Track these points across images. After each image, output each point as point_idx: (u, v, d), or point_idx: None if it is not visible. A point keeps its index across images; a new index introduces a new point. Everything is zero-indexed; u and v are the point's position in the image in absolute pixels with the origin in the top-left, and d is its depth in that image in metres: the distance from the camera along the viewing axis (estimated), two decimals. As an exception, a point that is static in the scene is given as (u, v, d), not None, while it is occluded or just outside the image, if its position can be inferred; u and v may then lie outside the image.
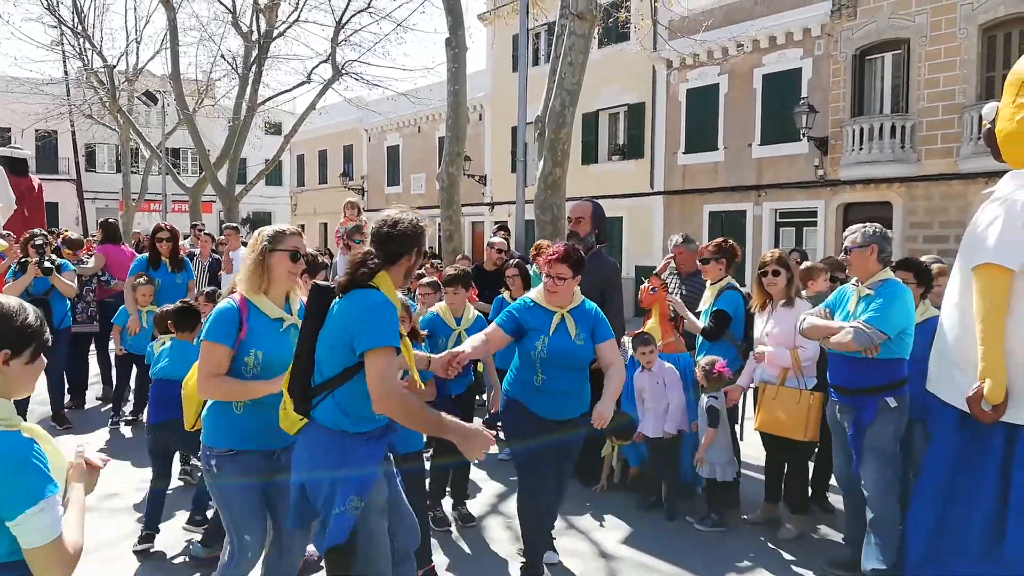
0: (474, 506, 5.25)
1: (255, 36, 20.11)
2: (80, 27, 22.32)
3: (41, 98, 23.81)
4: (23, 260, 6.86)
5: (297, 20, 20.47)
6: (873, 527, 3.92)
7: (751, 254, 16.56)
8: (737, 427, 5.42)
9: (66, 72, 24.77)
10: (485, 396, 6.42)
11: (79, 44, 22.91)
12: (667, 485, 5.15)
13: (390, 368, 2.66)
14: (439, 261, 10.25)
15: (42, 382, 5.32)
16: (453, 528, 4.87)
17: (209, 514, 4.45)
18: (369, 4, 19.20)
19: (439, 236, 12.65)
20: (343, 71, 19.68)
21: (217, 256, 9.23)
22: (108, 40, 53.32)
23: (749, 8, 17.48)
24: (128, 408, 7.30)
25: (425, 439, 5.20)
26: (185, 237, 10.95)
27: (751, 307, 5.08)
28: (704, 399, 4.95)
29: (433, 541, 4.66)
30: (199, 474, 4.59)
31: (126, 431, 6.96)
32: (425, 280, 5.72)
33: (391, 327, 2.69)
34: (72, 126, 26.27)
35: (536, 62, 21.00)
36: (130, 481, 5.53)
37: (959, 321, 3.24)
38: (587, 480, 5.65)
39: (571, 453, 4.12)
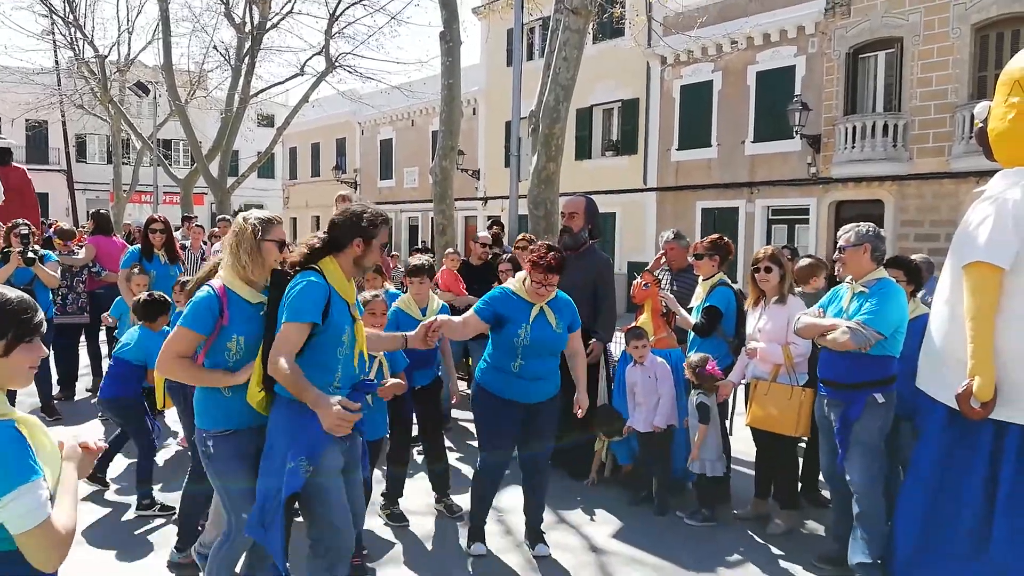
0: (466, 500, 5.25)
1: (248, 27, 20.00)
2: (71, 16, 22.15)
3: (31, 88, 23.63)
4: (6, 250, 6.80)
5: (291, 12, 20.37)
6: (859, 521, 3.95)
7: (743, 251, 16.62)
8: (727, 423, 5.45)
9: (57, 62, 24.57)
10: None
11: (70, 33, 22.74)
12: (658, 480, 5.17)
13: (287, 339, 2.93)
14: (432, 255, 10.24)
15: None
16: (410, 524, 4.84)
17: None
18: (363, -4, 19.11)
19: (432, 230, 12.64)
20: (336, 64, 19.60)
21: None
22: (99, 30, 53.06)
23: (743, 5, 17.50)
24: None
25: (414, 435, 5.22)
26: (176, 229, 10.91)
27: (745, 304, 5.10)
28: (694, 395, 4.97)
29: (428, 533, 4.68)
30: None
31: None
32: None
33: (307, 305, 2.95)
34: (63, 116, 26.07)
35: (531, 57, 20.98)
36: (117, 471, 5.52)
37: (949, 319, 3.27)
38: (578, 475, 5.67)
39: (545, 435, 4.29)
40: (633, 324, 5.39)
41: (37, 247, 6.96)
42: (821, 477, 4.99)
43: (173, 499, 5.04)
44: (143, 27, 79.44)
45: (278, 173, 38.63)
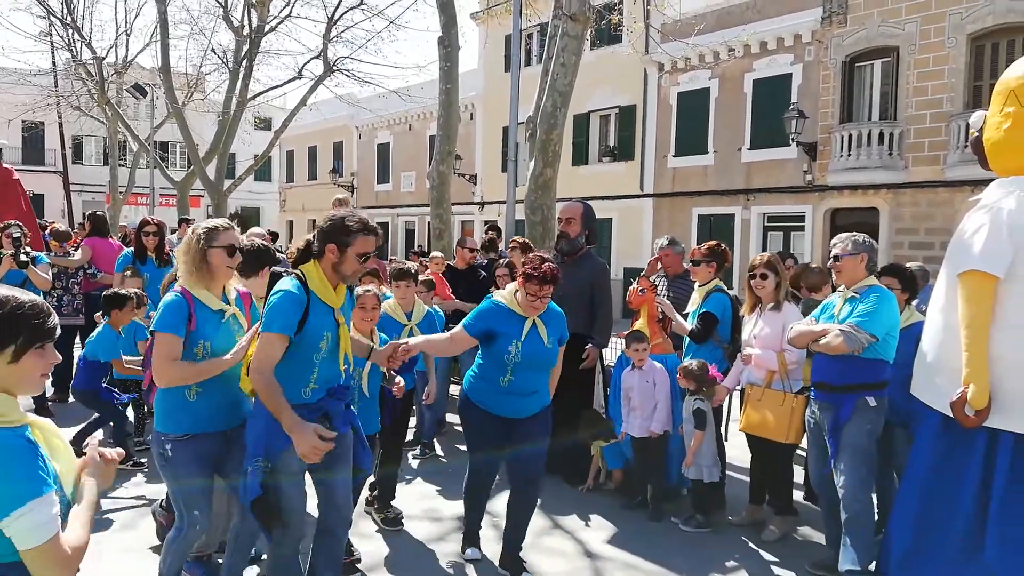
0: (461, 505, 5.25)
1: (246, 30, 20.01)
2: (69, 18, 22.12)
3: (28, 89, 23.58)
4: None
5: (289, 15, 20.39)
6: (847, 527, 3.97)
7: (739, 258, 16.64)
8: (723, 429, 5.45)
9: (54, 63, 24.53)
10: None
11: (68, 35, 22.71)
12: (652, 486, 5.17)
13: (266, 350, 2.96)
14: (428, 259, 10.24)
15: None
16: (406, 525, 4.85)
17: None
18: (362, 1, 19.14)
19: (429, 234, 12.64)
20: (335, 67, 19.61)
21: None
22: (97, 32, 52.79)
23: (741, 13, 17.57)
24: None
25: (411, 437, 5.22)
26: (173, 231, 10.90)
27: (741, 310, 5.11)
28: (691, 401, 4.98)
29: (422, 537, 4.68)
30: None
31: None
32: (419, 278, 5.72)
33: (280, 317, 2.97)
34: (59, 118, 26.05)
35: (528, 62, 21.01)
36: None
37: (944, 327, 3.28)
38: (572, 481, 5.67)
39: (535, 450, 4.15)
40: (631, 329, 5.39)
41: (29, 249, 6.95)
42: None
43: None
44: (141, 29, 79.43)
45: (275, 176, 38.60)
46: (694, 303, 5.39)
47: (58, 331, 1.83)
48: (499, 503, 5.16)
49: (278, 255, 4.27)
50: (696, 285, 5.45)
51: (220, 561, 3.58)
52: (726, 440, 5.54)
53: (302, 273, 3.09)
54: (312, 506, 3.36)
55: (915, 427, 3.87)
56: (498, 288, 6.57)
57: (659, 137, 19.52)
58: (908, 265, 5.07)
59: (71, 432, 6.39)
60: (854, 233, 4.22)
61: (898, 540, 3.47)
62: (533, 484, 4.17)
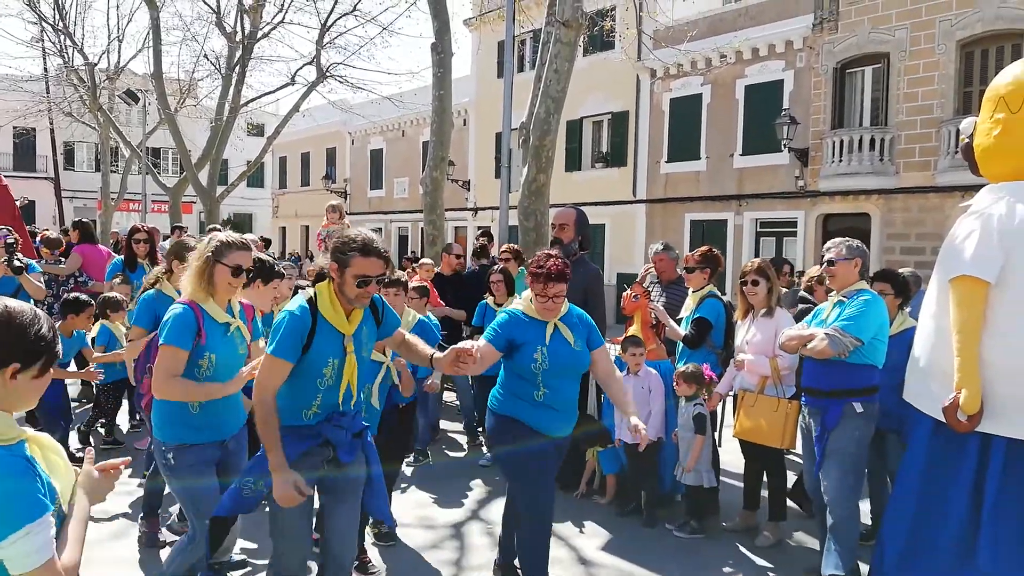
0: (456, 513, 5.25)
1: (239, 37, 19.99)
2: (61, 24, 22.07)
3: (19, 95, 23.51)
4: None
5: (282, 22, 20.37)
6: (832, 532, 3.98)
7: (731, 263, 16.69)
8: (716, 434, 5.46)
9: (46, 69, 24.49)
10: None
11: (60, 41, 22.66)
12: (646, 492, 5.17)
13: (269, 373, 2.85)
14: (417, 266, 10.24)
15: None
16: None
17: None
18: (355, 7, 19.17)
19: (422, 240, 12.63)
20: (327, 73, 19.60)
21: None
22: (89, 38, 52.88)
23: (732, 20, 17.65)
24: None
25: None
26: (165, 238, 10.86)
27: (734, 317, 5.12)
28: (690, 407, 4.98)
29: (416, 545, 4.66)
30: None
31: (101, 431, 6.87)
32: (412, 285, 5.71)
33: (283, 341, 2.84)
34: (51, 124, 25.97)
35: (521, 69, 21.06)
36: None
37: (935, 332, 3.29)
38: (566, 487, 5.66)
39: (555, 474, 3.90)
40: (626, 335, 5.40)
41: (22, 256, 6.91)
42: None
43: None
44: (133, 35, 79.22)
45: (267, 182, 38.54)
46: (688, 308, 5.40)
47: (60, 349, 1.77)
48: (494, 510, 5.16)
49: (276, 267, 4.25)
50: (690, 291, 5.46)
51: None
52: (719, 446, 5.54)
53: (315, 293, 2.96)
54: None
55: (908, 432, 3.88)
56: (492, 295, 6.57)
57: (652, 143, 19.58)
58: (900, 271, 5.09)
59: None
60: (847, 238, 4.24)
61: (892, 545, 3.47)
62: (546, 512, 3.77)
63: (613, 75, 19.61)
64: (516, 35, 11.68)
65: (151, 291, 4.19)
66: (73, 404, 7.91)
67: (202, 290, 3.21)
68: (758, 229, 17.78)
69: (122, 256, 7.17)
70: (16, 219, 8.28)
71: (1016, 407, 3.01)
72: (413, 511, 5.20)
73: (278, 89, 21.61)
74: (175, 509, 4.59)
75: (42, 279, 7.08)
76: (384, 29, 20.02)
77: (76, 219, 8.78)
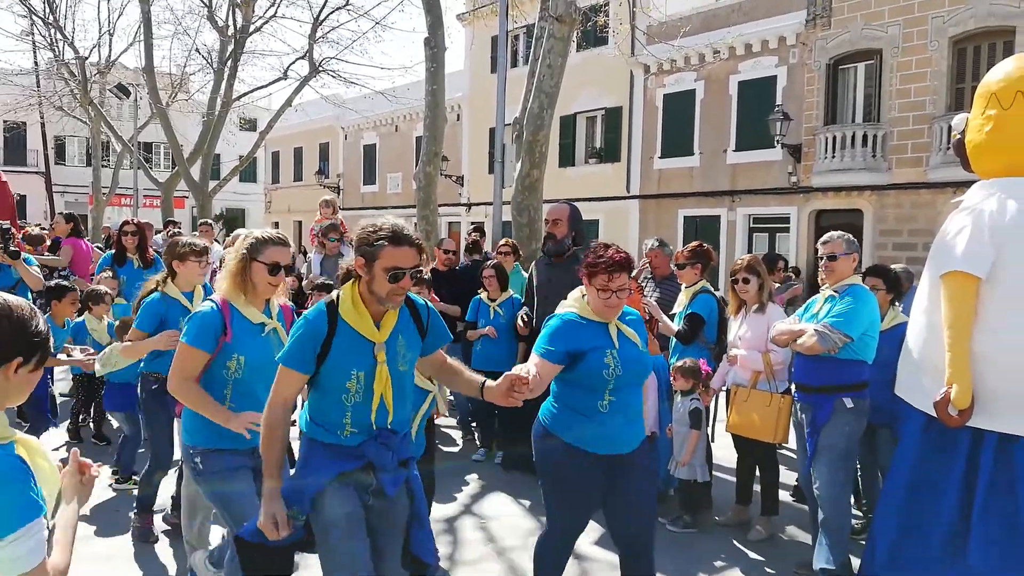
0: (450, 508, 5.25)
1: (231, 31, 19.91)
2: (51, 17, 21.93)
3: (10, 88, 23.39)
4: None
5: (274, 16, 20.32)
6: (824, 527, 4.00)
7: (725, 259, 16.71)
8: (710, 429, 5.47)
9: (36, 63, 24.32)
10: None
11: (50, 35, 22.52)
12: (640, 487, 5.17)
13: (281, 384, 2.62)
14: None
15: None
16: None
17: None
18: (348, 1, 19.12)
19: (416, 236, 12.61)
20: (320, 68, 19.55)
21: None
22: (80, 31, 52.60)
23: (726, 15, 17.67)
24: None
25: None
26: (157, 232, 10.82)
27: (727, 312, 5.14)
28: (687, 402, 4.99)
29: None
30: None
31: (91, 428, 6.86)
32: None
33: (294, 351, 2.59)
34: (42, 118, 25.81)
35: (515, 64, 21.03)
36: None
37: (927, 327, 3.30)
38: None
39: (646, 498, 3.33)
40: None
41: (16, 248, 6.88)
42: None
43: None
44: (124, 29, 78.97)
45: (260, 177, 38.41)
46: (681, 304, 5.41)
47: (52, 345, 1.79)
48: (485, 505, 5.17)
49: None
50: (683, 286, 5.47)
51: None
52: (712, 441, 5.56)
53: (337, 296, 2.64)
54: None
55: (899, 427, 3.90)
56: (485, 289, 6.56)
57: (645, 139, 19.59)
58: (893, 267, 5.12)
59: (46, 435, 6.33)
60: (842, 232, 4.26)
61: (883, 540, 3.49)
62: (647, 552, 3.32)
63: (606, 71, 19.61)
64: (509, 30, 11.67)
65: (155, 294, 4.08)
66: (65, 398, 7.90)
67: (238, 289, 3.04)
68: (751, 225, 17.82)
69: (112, 251, 7.15)
70: (13, 216, 8.27)
71: (1007, 402, 3.03)
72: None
73: (271, 83, 21.56)
74: (166, 501, 4.60)
75: (39, 272, 7.06)
76: (377, 23, 20.02)
77: (67, 212, 8.74)
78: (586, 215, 6.67)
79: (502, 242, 7.45)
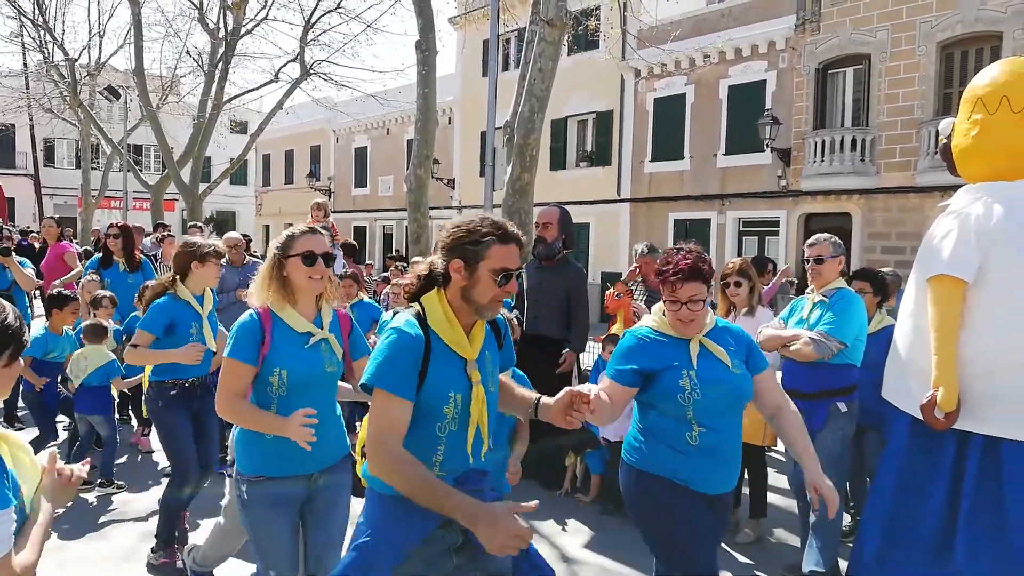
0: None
1: (222, 33, 19.86)
2: (41, 19, 21.83)
3: (-2, 90, 23.24)
4: None
5: (265, 18, 20.28)
6: (814, 530, 4.02)
7: (715, 262, 16.67)
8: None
9: (25, 64, 24.21)
10: None
11: (39, 36, 22.42)
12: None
13: (380, 418, 2.10)
14: (406, 264, 10.23)
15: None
16: None
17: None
18: (339, 4, 19.08)
19: (406, 239, 12.60)
20: (311, 71, 19.53)
21: None
22: (70, 33, 52.27)
23: (716, 20, 17.74)
24: None
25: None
26: (147, 236, 10.77)
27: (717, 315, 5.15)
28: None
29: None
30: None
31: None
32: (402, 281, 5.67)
33: (389, 368, 2.11)
34: (31, 120, 25.70)
35: (506, 67, 21.07)
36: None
37: (913, 330, 3.32)
38: (549, 485, 5.67)
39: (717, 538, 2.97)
40: (608, 333, 5.42)
41: (8, 247, 6.89)
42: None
43: (136, 498, 4.98)
44: (115, 31, 78.56)
45: (251, 180, 38.29)
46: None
47: (28, 338, 1.81)
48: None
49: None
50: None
51: None
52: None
53: (422, 307, 2.24)
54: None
55: (887, 430, 3.92)
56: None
57: (636, 142, 19.64)
58: (881, 270, 5.14)
59: (34, 434, 6.30)
60: (829, 235, 4.28)
61: (870, 541, 3.50)
62: None
63: (597, 74, 19.65)
64: (501, 34, 11.66)
65: (165, 296, 3.98)
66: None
67: (275, 294, 2.75)
68: (741, 228, 17.88)
69: (99, 255, 7.13)
70: (4, 217, 8.30)
71: (993, 405, 3.05)
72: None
73: (262, 86, 21.50)
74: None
75: (32, 273, 7.04)
76: (368, 26, 19.98)
77: (55, 216, 8.74)
78: (577, 218, 6.68)
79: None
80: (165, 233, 10.16)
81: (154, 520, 4.56)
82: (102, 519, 4.85)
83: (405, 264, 10.27)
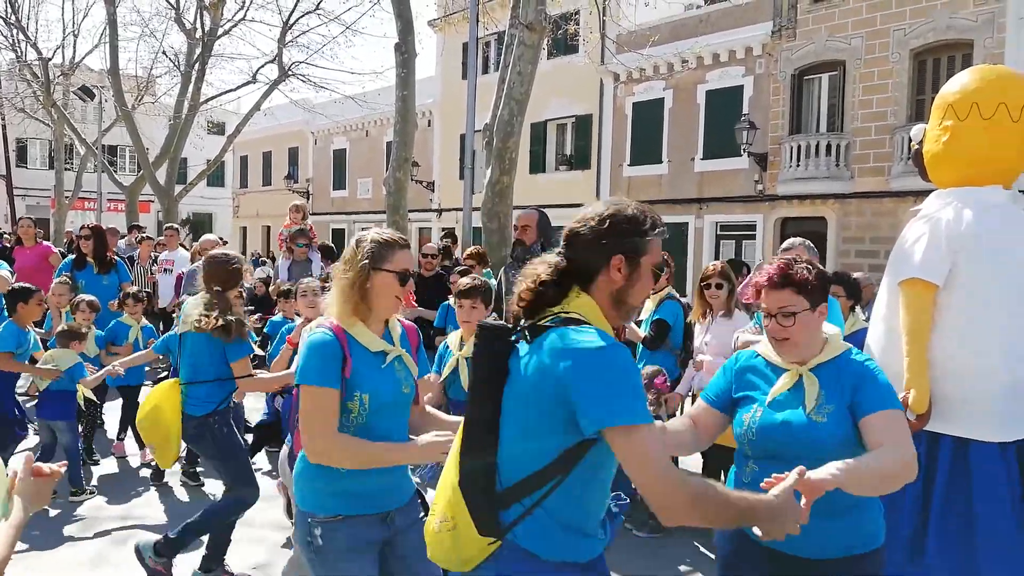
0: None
1: (199, 33, 19.69)
2: (13, 17, 21.51)
3: (-31, 89, 22.86)
4: None
5: (243, 19, 20.14)
6: None
7: (692, 266, 16.90)
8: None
9: (-3, 63, 23.82)
10: None
11: (12, 35, 22.09)
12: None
13: (650, 447, 1.76)
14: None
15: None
16: None
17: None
18: (318, 6, 19.03)
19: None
20: (290, 72, 19.41)
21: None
22: (44, 32, 51.65)
23: (694, 26, 17.89)
24: None
25: None
26: (122, 237, 10.66)
27: (690, 317, 5.20)
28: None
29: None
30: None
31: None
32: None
33: (635, 396, 1.73)
34: (3, 119, 25.25)
35: (486, 70, 21.09)
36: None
37: (886, 333, 3.37)
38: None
39: None
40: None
41: None
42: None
43: (108, 505, 4.92)
44: (89, 30, 77.61)
45: (228, 181, 37.96)
46: (647, 311, 5.45)
47: None
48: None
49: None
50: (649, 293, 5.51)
51: None
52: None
53: (578, 314, 1.82)
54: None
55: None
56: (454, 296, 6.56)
57: (615, 146, 19.74)
58: (855, 274, 5.22)
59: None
60: (803, 239, 4.32)
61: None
62: None
63: (577, 78, 19.73)
64: (480, 37, 11.70)
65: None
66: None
67: (354, 311, 2.37)
68: (718, 232, 18.03)
69: (73, 256, 7.06)
70: None
71: (963, 407, 3.10)
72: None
73: (239, 87, 21.36)
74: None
75: (12, 276, 6.94)
76: (347, 28, 19.99)
77: (30, 216, 8.60)
78: (555, 222, 6.69)
79: (468, 252, 7.45)
80: (142, 235, 10.06)
81: (124, 525, 4.52)
82: (72, 525, 4.78)
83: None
